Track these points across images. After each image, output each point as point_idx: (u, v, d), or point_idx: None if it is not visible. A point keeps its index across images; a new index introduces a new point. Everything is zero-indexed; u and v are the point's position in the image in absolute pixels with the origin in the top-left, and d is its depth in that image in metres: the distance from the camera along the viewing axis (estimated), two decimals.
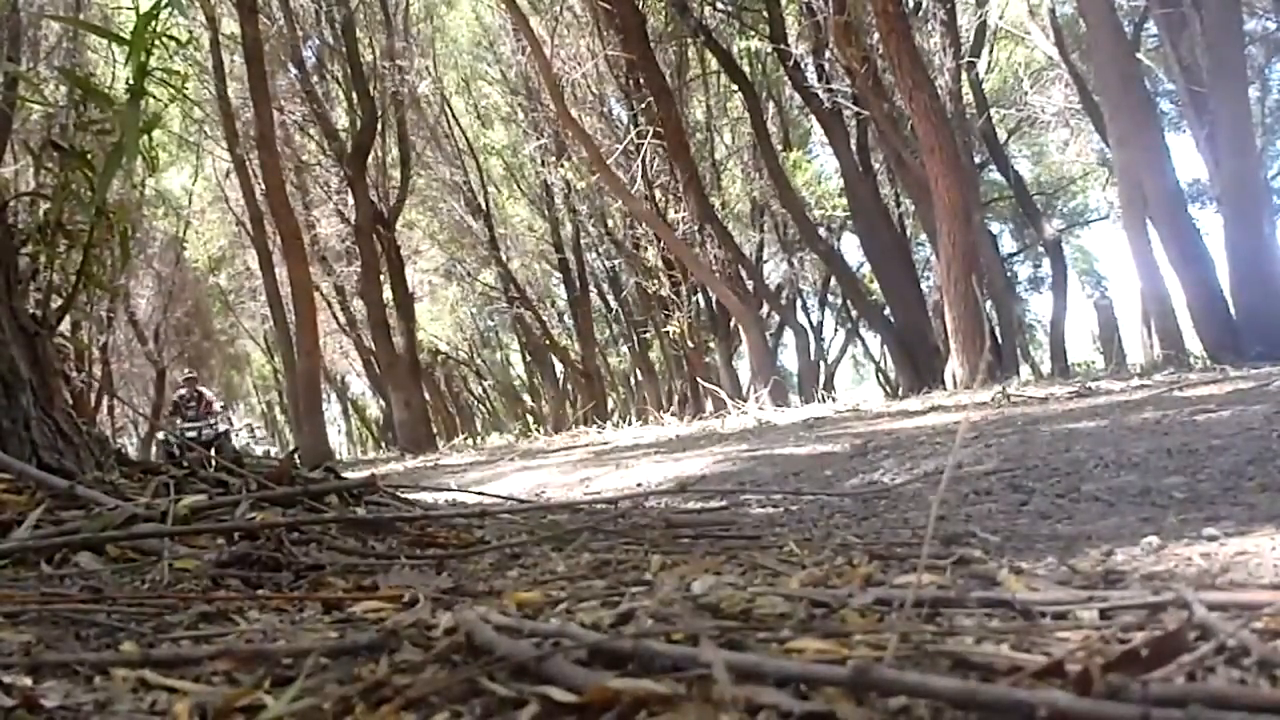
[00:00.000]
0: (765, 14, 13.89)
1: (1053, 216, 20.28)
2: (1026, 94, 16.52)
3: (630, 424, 11.37)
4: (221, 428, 12.76)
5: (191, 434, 12.06)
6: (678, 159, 13.30)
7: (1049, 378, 9.27)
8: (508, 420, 24.09)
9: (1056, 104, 16.12)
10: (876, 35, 10.40)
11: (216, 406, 13.53)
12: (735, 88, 15.49)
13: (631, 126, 14.96)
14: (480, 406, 27.78)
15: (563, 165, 16.77)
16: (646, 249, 16.21)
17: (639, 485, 2.95)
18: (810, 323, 21.02)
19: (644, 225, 15.09)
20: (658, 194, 15.24)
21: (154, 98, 2.17)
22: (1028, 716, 0.61)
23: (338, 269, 18.43)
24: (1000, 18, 15.59)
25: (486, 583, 1.31)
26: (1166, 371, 6.37)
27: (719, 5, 15.23)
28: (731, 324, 15.62)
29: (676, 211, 14.35)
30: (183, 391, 13.10)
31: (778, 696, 0.68)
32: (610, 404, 19.51)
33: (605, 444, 6.41)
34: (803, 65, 13.62)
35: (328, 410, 21.25)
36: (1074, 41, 15.28)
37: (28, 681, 0.84)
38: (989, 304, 10.68)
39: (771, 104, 17.15)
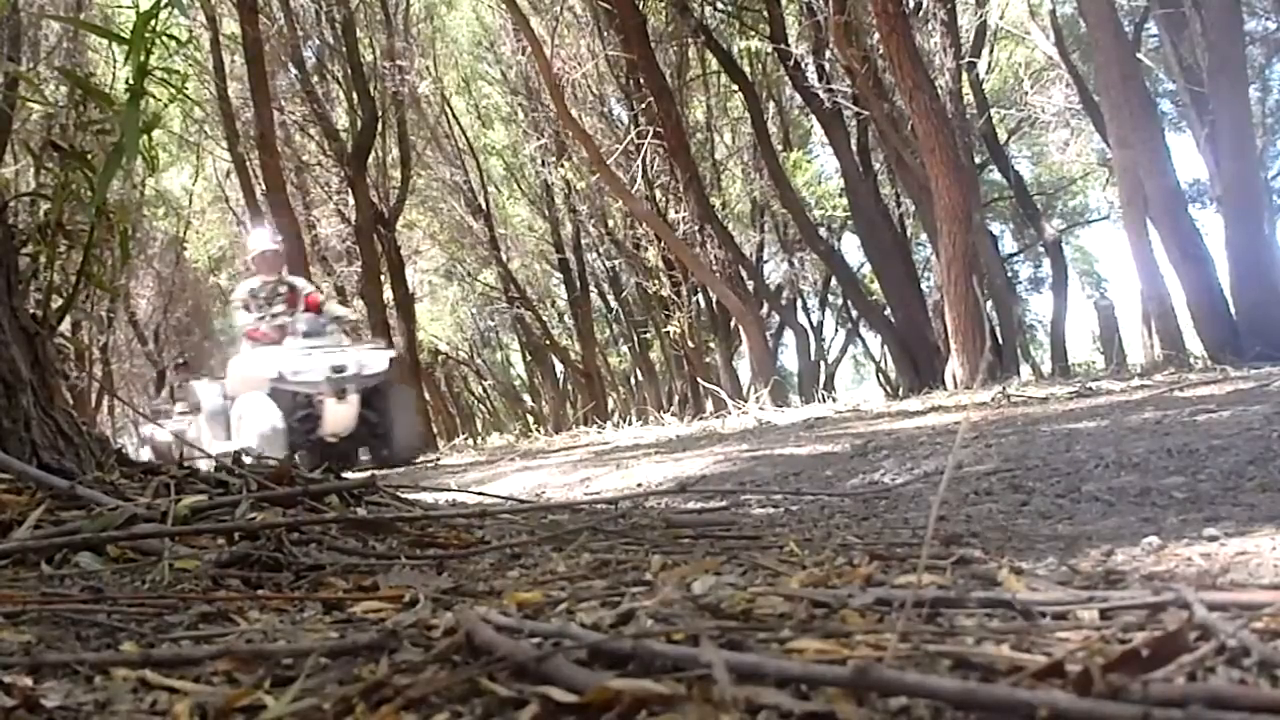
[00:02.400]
0: (765, 14, 13.89)
1: (1053, 216, 20.28)
2: (1026, 94, 16.52)
3: (630, 424, 11.37)
4: (389, 354, 7.53)
5: (337, 364, 6.87)
6: (678, 159, 13.30)
7: (1049, 378, 9.27)
8: (508, 420, 24.08)
9: (1056, 104, 16.12)
10: (876, 35, 10.39)
11: (344, 311, 7.90)
12: (735, 88, 15.49)
13: (631, 126, 14.95)
14: (480, 406, 27.77)
15: (563, 165, 16.77)
16: (646, 249, 16.19)
17: (639, 485, 2.94)
18: (810, 323, 21.01)
19: (644, 225, 15.08)
20: (658, 194, 15.23)
21: (154, 98, 2.17)
22: (1028, 717, 0.61)
23: (338, 269, 18.42)
24: (1000, 18, 15.59)
25: (486, 583, 1.31)
26: (1167, 371, 6.37)
27: (719, 5, 15.23)
28: (731, 324, 15.61)
29: (676, 211, 14.34)
30: (254, 284, 7.48)
31: (778, 696, 0.68)
32: (610, 404, 19.50)
33: (605, 444, 6.40)
34: (803, 65, 13.61)
35: None
36: (1074, 41, 15.28)
37: (28, 681, 0.84)
38: (989, 304, 10.68)
39: (771, 104, 17.14)
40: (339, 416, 7.20)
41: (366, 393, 7.26)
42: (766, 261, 19.00)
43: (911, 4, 12.19)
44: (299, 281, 8.13)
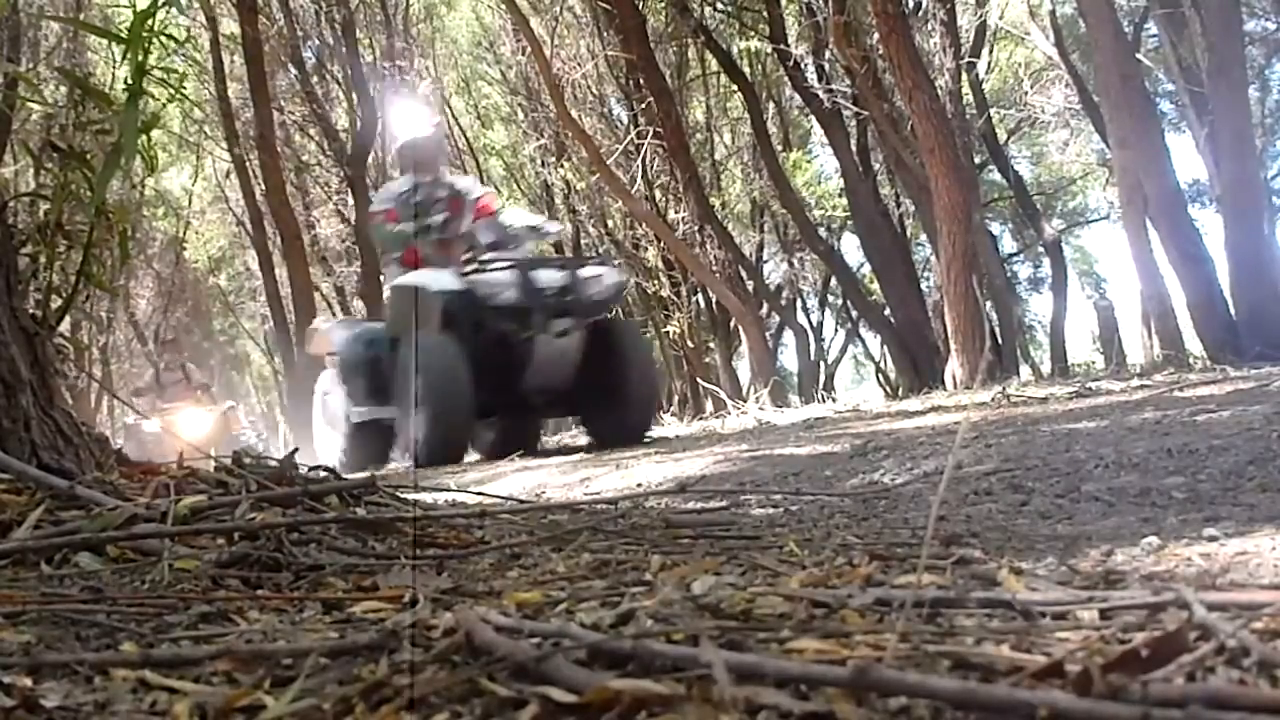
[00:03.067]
0: (765, 14, 13.89)
1: (1053, 216, 20.30)
2: (1026, 94, 16.53)
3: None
4: (619, 275, 5.63)
5: (551, 285, 5.00)
6: (678, 159, 13.30)
7: (1049, 378, 9.27)
8: None
9: (1056, 104, 16.14)
10: (876, 35, 10.39)
11: (538, 220, 6.08)
12: (735, 88, 15.50)
13: (631, 126, 14.97)
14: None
15: (563, 165, 16.79)
16: (646, 249, 16.20)
17: (639, 485, 2.94)
18: (810, 323, 21.02)
19: (644, 225, 15.09)
20: (658, 194, 15.24)
21: (153, 97, 2.17)
22: (1028, 717, 0.61)
23: (338, 269, 18.42)
24: (1000, 18, 15.60)
25: (486, 583, 1.31)
26: (1166, 372, 6.37)
27: (719, 5, 15.23)
28: (731, 324, 15.63)
29: (676, 211, 14.35)
30: (402, 187, 5.64)
31: (778, 696, 0.68)
32: None
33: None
34: (803, 65, 13.62)
35: None
36: (1074, 41, 15.29)
37: (28, 681, 0.84)
38: (989, 304, 10.68)
39: (771, 104, 17.15)
40: (555, 362, 5.20)
41: (592, 329, 5.24)
42: (766, 261, 19.01)
43: (911, 4, 12.20)
44: (464, 181, 5.98)
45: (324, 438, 6.75)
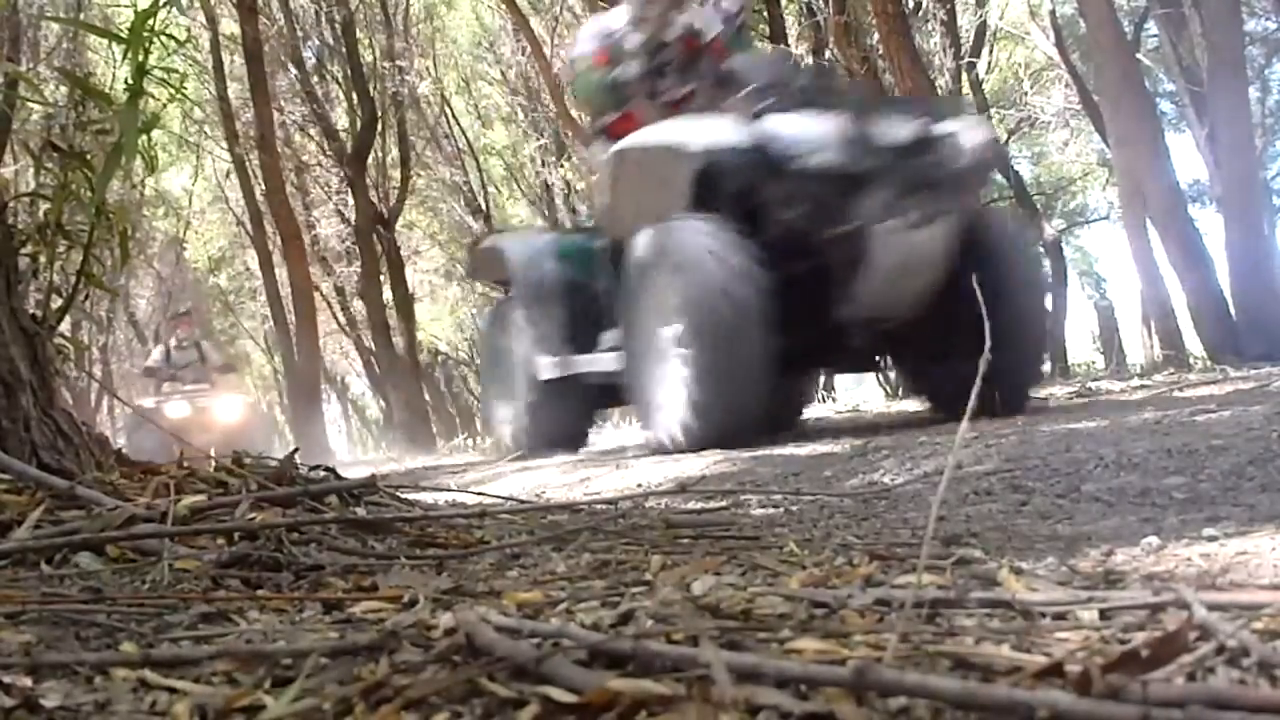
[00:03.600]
0: (765, 14, 13.89)
1: (1053, 216, 20.29)
2: (1026, 94, 16.54)
3: (630, 424, 11.36)
4: (988, 134, 3.69)
5: (894, 140, 3.18)
6: None
7: (1049, 378, 9.27)
8: None
9: (1056, 104, 16.15)
10: (876, 35, 10.40)
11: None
12: None
13: None
14: (480, 406, 27.65)
15: (563, 165, 16.78)
16: None
17: (639, 485, 2.94)
18: None
19: None
20: None
21: (153, 97, 2.17)
22: (1028, 717, 0.61)
23: (338, 269, 18.44)
24: (1000, 18, 15.61)
25: (486, 583, 1.31)
26: (1166, 372, 6.37)
27: None
28: None
29: None
30: (613, 25, 4.07)
31: (778, 697, 0.68)
32: None
33: (605, 444, 6.39)
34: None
35: (328, 410, 21.27)
36: (1074, 41, 15.29)
37: (28, 681, 0.84)
38: None
39: None
40: (905, 272, 3.37)
41: (965, 223, 3.39)
42: None
43: (911, 4, 12.20)
44: (702, 15, 4.04)
45: (496, 405, 4.90)
